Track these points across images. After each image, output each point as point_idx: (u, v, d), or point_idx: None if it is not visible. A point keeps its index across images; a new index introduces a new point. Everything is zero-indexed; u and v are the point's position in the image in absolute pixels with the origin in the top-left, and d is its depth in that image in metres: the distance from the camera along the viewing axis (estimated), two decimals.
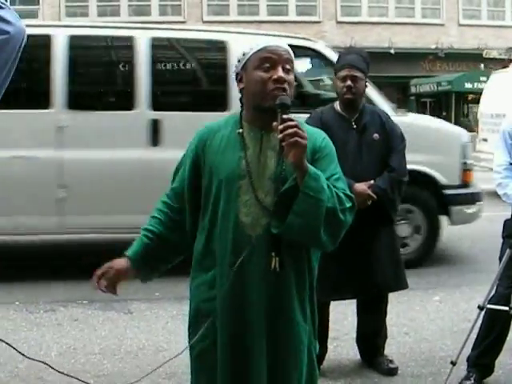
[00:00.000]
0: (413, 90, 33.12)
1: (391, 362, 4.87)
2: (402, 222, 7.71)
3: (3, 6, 2.19)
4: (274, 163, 2.67)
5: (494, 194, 5.22)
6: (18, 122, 7.17)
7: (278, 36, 7.57)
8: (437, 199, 7.85)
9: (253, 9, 30.38)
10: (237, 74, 2.77)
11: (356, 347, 5.05)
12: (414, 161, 7.56)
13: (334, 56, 7.85)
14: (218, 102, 7.26)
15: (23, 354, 2.77)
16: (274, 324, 2.68)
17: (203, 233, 2.73)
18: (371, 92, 7.60)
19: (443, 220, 8.12)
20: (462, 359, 4.46)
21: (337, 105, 4.73)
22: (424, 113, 28.37)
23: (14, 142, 7.10)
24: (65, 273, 7.45)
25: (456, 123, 21.23)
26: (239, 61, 2.75)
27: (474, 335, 4.46)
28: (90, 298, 6.63)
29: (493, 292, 4.36)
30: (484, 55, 30.49)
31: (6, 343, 2.54)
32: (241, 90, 2.78)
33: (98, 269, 2.62)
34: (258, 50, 2.68)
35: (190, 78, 7.96)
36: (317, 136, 2.75)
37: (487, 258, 7.16)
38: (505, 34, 30.54)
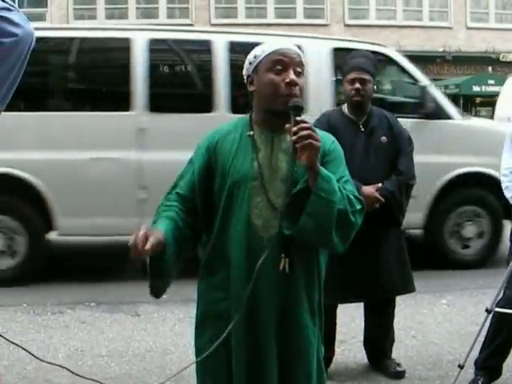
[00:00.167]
0: None
1: (399, 365, 4.86)
2: (468, 223, 7.99)
3: (12, 8, 2.19)
4: (285, 165, 2.69)
5: None
6: (99, 123, 7.28)
7: (349, 41, 8.13)
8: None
9: (260, 11, 30.38)
10: (248, 77, 2.77)
11: (363, 350, 5.04)
12: (480, 163, 7.63)
13: (405, 62, 8.20)
14: None
15: (37, 357, 2.76)
16: (283, 325, 2.69)
17: (213, 234, 2.73)
18: (438, 95, 7.88)
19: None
20: (470, 362, 4.45)
21: (345, 108, 4.73)
22: None
23: (96, 144, 7.21)
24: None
25: None
26: (250, 63, 2.75)
27: (481, 338, 4.45)
28: (97, 300, 6.65)
29: (500, 295, 4.35)
30: (501, 59, 30.40)
31: (22, 347, 2.54)
32: (251, 93, 2.78)
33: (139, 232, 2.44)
34: (270, 53, 2.69)
35: None
36: (326, 139, 2.76)
37: (495, 262, 7.17)
38: None
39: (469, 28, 31.20)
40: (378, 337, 4.94)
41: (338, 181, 2.65)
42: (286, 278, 2.66)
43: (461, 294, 6.94)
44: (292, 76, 2.64)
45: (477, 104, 31.19)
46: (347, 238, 2.65)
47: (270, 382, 2.66)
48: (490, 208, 7.94)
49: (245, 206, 2.66)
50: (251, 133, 2.73)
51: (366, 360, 5.02)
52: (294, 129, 2.49)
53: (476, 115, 32.39)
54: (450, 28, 31.03)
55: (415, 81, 8.18)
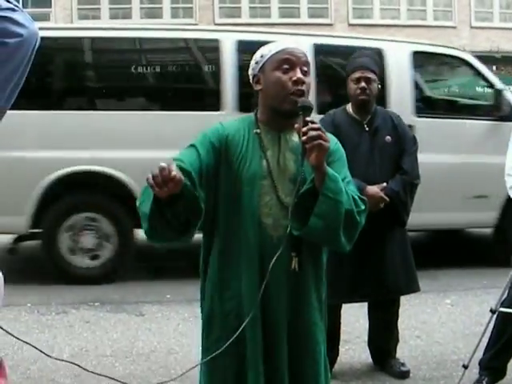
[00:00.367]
0: None
1: (403, 365, 4.86)
2: None
3: (16, 8, 2.19)
4: (293, 164, 2.70)
5: None
6: (190, 123, 7.30)
7: (429, 44, 8.36)
8: None
9: (264, 11, 30.36)
10: (254, 76, 2.78)
11: (367, 350, 5.04)
12: None
13: (480, 65, 8.31)
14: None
15: (46, 354, 2.75)
16: (293, 324, 2.70)
17: (220, 232, 2.71)
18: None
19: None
20: (474, 362, 4.45)
21: (349, 107, 4.73)
22: None
23: (186, 144, 7.25)
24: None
25: None
26: (257, 62, 2.76)
27: (486, 338, 4.45)
28: (101, 300, 6.66)
29: (505, 295, 4.35)
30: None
31: (31, 345, 2.53)
32: (256, 92, 2.79)
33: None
34: (277, 52, 2.70)
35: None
36: (330, 140, 2.76)
37: (499, 262, 7.14)
38: None
39: (473, 27, 31.16)
40: (383, 336, 4.94)
41: (342, 181, 2.65)
42: (296, 276, 2.67)
43: (465, 293, 6.93)
44: (299, 74, 2.65)
45: None
46: (353, 237, 2.68)
47: (282, 380, 2.67)
48: None
49: (254, 205, 2.66)
50: (258, 130, 2.73)
51: (370, 360, 5.02)
52: (304, 129, 2.50)
53: None
54: (454, 27, 30.99)
55: (490, 84, 8.29)
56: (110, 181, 7.28)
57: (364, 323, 5.22)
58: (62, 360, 3.06)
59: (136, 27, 9.90)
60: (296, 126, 2.57)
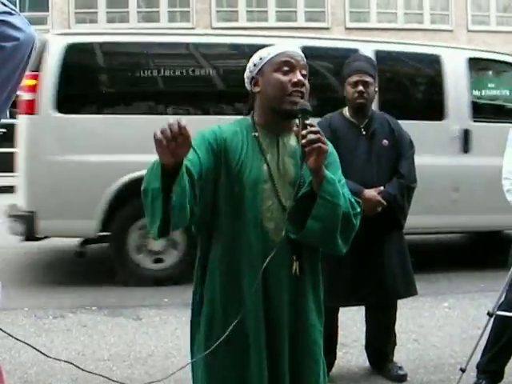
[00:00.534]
0: None
1: (400, 368, 4.86)
2: None
3: (13, 12, 2.19)
4: (292, 168, 2.71)
5: None
6: None
7: (484, 51, 8.78)
8: None
9: (262, 15, 30.39)
10: (251, 78, 2.78)
11: (365, 354, 5.04)
12: None
13: None
14: None
15: (44, 354, 2.74)
16: (293, 325, 2.71)
17: (220, 236, 2.70)
18: None
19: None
20: (472, 366, 4.45)
21: (346, 111, 4.73)
22: None
23: None
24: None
25: None
26: (255, 65, 2.76)
27: (483, 342, 4.45)
28: (98, 304, 6.66)
29: (502, 298, 4.35)
30: None
31: (32, 347, 2.53)
32: (254, 94, 2.79)
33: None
34: (277, 54, 2.71)
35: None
36: None
37: (497, 265, 7.14)
38: None
39: (470, 31, 31.21)
40: (380, 340, 4.94)
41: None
42: (296, 280, 2.69)
43: (462, 296, 6.94)
44: (299, 76, 2.66)
45: None
46: (349, 240, 2.70)
47: (283, 380, 2.69)
48: None
49: (257, 210, 2.66)
50: (256, 134, 2.73)
51: (367, 364, 5.02)
52: (303, 132, 2.51)
53: None
54: (450, 31, 31.04)
55: None
56: None
57: (361, 327, 5.22)
58: (60, 360, 3.03)
59: (194, 33, 9.98)
60: (295, 129, 2.58)
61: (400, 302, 4.95)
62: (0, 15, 2.14)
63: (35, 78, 7.07)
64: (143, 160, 7.14)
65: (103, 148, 7.28)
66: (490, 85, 9.26)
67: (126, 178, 7.19)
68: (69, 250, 8.64)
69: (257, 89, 2.76)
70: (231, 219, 2.68)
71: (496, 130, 7.85)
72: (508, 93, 9.37)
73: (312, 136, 2.50)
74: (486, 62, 8.72)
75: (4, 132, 15.80)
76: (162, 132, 2.17)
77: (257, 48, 2.87)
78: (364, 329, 5.05)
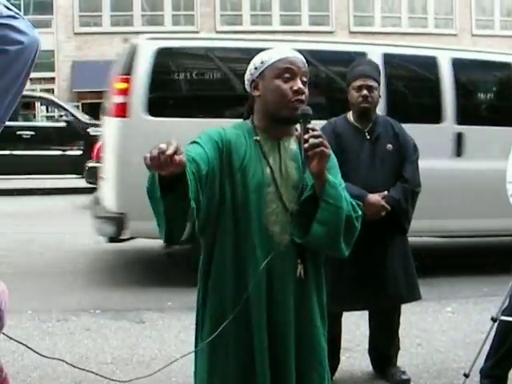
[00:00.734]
0: None
1: (404, 373, 4.85)
2: None
3: (17, 16, 2.19)
4: (295, 172, 2.71)
5: None
6: None
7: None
8: None
9: (266, 19, 30.43)
10: (252, 81, 2.78)
11: (368, 358, 5.03)
12: None
13: None
14: None
15: (39, 353, 2.75)
16: (298, 327, 2.71)
17: (224, 238, 2.69)
18: None
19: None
20: (475, 371, 4.44)
21: (350, 115, 4.73)
22: None
23: None
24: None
25: None
26: (256, 68, 2.75)
27: (487, 347, 4.44)
28: (102, 307, 6.65)
29: (506, 303, 4.34)
30: None
31: (33, 350, 2.53)
32: (254, 98, 2.79)
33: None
34: (278, 60, 2.70)
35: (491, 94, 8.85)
36: None
37: (500, 270, 7.14)
38: None
39: (474, 35, 31.22)
40: (383, 344, 4.93)
41: None
42: (301, 283, 2.70)
43: (466, 301, 6.92)
44: (300, 84, 2.67)
45: None
46: (351, 242, 2.72)
47: (290, 381, 2.69)
48: None
49: (261, 213, 2.66)
50: (258, 138, 2.73)
51: (371, 368, 5.01)
52: (306, 136, 2.52)
53: None
54: (455, 35, 31.05)
55: None
56: None
57: (365, 331, 5.22)
58: (53, 358, 3.03)
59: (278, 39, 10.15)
60: (296, 133, 2.59)
61: (403, 307, 4.94)
62: (4, 19, 2.14)
63: (127, 81, 7.20)
64: None
65: None
66: None
67: None
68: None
69: (257, 93, 2.76)
70: (235, 221, 2.68)
71: None
72: None
73: (314, 140, 2.51)
74: None
75: (32, 135, 15.89)
76: (151, 160, 2.15)
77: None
78: (367, 333, 5.05)
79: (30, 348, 2.51)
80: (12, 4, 2.20)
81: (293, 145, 2.75)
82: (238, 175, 2.66)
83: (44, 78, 27.48)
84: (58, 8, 29.36)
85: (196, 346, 2.89)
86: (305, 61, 2.75)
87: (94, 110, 18.20)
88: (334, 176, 2.70)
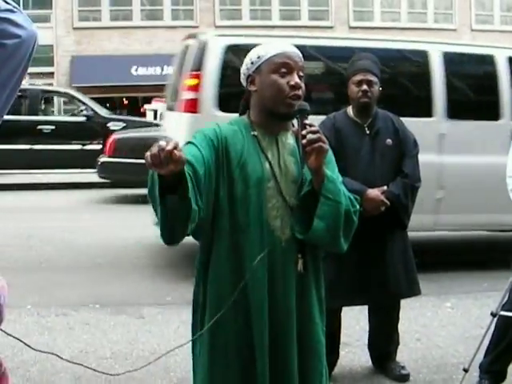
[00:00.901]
0: None
1: (403, 368, 4.85)
2: None
3: (15, 9, 2.18)
4: (293, 166, 2.71)
5: None
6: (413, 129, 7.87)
7: None
8: None
9: (265, 13, 30.38)
10: (248, 76, 2.77)
11: (368, 353, 5.04)
12: None
13: None
14: None
15: (31, 346, 2.73)
16: (298, 323, 2.71)
17: (223, 234, 2.68)
18: None
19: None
20: (475, 366, 4.44)
21: (349, 110, 4.72)
22: None
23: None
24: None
25: None
26: (252, 63, 2.74)
27: (486, 342, 4.44)
28: (101, 302, 6.65)
29: (506, 298, 4.34)
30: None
31: (23, 342, 2.53)
32: (250, 93, 2.78)
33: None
34: (275, 55, 2.69)
35: None
36: None
37: (500, 265, 7.14)
38: None
39: (473, 30, 31.18)
40: (383, 339, 4.94)
41: None
42: (301, 277, 2.70)
43: (465, 296, 6.92)
44: (297, 79, 2.66)
45: None
46: (350, 237, 2.73)
47: (292, 379, 2.69)
48: None
49: (262, 208, 2.65)
50: (255, 133, 2.72)
51: (370, 363, 5.01)
52: (304, 132, 2.52)
53: None
54: (454, 30, 31.00)
55: None
56: None
57: (364, 326, 5.22)
58: (43, 351, 3.01)
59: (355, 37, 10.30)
60: (294, 129, 2.59)
61: (403, 302, 4.94)
62: (2, 13, 2.13)
63: (197, 77, 7.33)
64: None
65: None
66: None
67: None
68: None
69: (253, 87, 2.75)
70: (235, 218, 2.66)
71: None
72: None
73: (312, 136, 2.51)
74: None
75: (52, 129, 15.92)
76: (152, 158, 2.16)
77: None
78: (367, 328, 5.05)
79: (23, 342, 2.50)
80: None
81: (290, 139, 2.75)
82: (237, 171, 2.65)
83: (43, 73, 27.41)
84: (56, 3, 29.27)
85: (194, 350, 2.88)
86: (301, 55, 2.75)
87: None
88: (331, 170, 2.70)
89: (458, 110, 8.03)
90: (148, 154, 2.17)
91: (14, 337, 2.45)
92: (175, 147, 2.16)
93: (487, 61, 8.29)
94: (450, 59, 8.10)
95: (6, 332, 2.40)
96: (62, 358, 2.85)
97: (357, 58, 4.81)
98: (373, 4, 30.97)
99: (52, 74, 29.05)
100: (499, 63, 8.13)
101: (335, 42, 8.46)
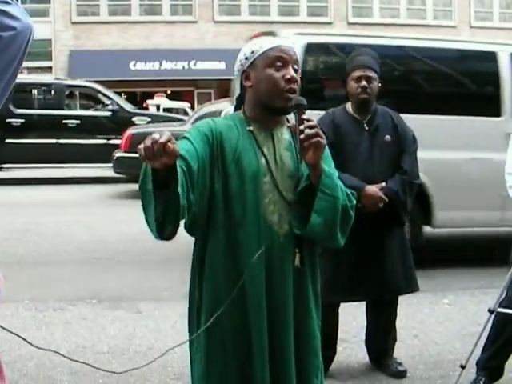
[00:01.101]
0: None
1: (400, 364, 4.86)
2: None
3: (10, 1, 2.17)
4: (290, 161, 2.70)
5: None
6: (474, 127, 8.08)
7: None
8: None
9: (264, 9, 30.36)
10: (243, 72, 2.76)
11: (365, 349, 5.03)
12: None
13: None
14: None
15: (32, 344, 2.73)
16: (296, 318, 2.71)
17: (219, 230, 2.66)
18: None
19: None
20: (472, 362, 4.44)
21: (348, 106, 4.72)
22: None
23: (471, 146, 8.02)
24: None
25: None
26: (247, 58, 2.73)
27: (483, 338, 4.44)
28: (98, 297, 6.65)
29: (503, 295, 4.34)
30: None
31: (20, 336, 2.52)
32: (245, 88, 2.77)
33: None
34: (270, 49, 2.68)
35: None
36: None
37: (498, 262, 7.15)
38: None
39: (472, 27, 31.17)
40: (380, 336, 4.93)
41: None
42: (298, 272, 2.69)
43: (462, 293, 6.93)
44: (292, 73, 2.65)
45: None
46: (347, 232, 2.72)
47: (290, 375, 2.68)
48: None
49: (259, 203, 2.64)
50: (251, 128, 2.72)
51: (367, 359, 5.01)
52: (301, 127, 2.51)
53: None
54: (453, 27, 31.00)
55: None
56: None
57: (361, 322, 5.22)
58: (45, 349, 3.01)
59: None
60: (290, 124, 2.58)
61: (400, 298, 4.94)
62: None
63: None
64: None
65: None
66: None
67: None
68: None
69: (248, 83, 2.74)
70: (231, 213, 2.65)
71: None
72: None
73: (310, 131, 2.50)
74: None
75: (78, 123, 15.93)
76: (145, 150, 2.15)
77: None
78: (364, 324, 5.04)
79: (22, 338, 2.49)
80: None
81: (285, 134, 2.74)
82: (232, 166, 2.64)
83: (41, 68, 27.37)
84: None
85: (191, 347, 2.88)
86: (295, 49, 2.75)
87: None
88: (328, 165, 2.70)
89: None
90: (141, 146, 2.17)
91: (13, 333, 2.44)
92: (169, 140, 2.15)
93: None
94: None
95: (5, 328, 2.39)
96: (64, 356, 2.85)
97: (356, 54, 4.80)
98: (372, 0, 30.96)
99: (50, 68, 29.02)
100: None
101: (405, 42, 8.55)
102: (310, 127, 2.51)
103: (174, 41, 29.15)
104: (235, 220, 2.65)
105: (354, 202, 2.72)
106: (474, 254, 8.67)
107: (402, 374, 4.79)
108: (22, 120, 15.80)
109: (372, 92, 4.59)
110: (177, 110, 23.20)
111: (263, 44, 2.72)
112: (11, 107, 15.60)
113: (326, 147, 2.75)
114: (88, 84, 17.50)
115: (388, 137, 4.64)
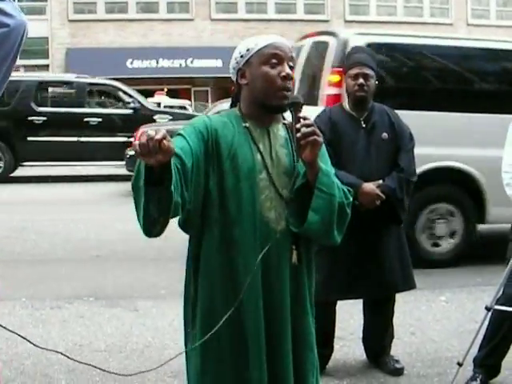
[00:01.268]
0: None
1: (397, 361, 4.86)
2: None
3: None
4: (285, 158, 2.69)
5: None
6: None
7: None
8: None
9: (261, 7, 30.36)
10: (238, 70, 2.75)
11: (362, 347, 5.04)
12: None
13: None
14: None
15: (35, 344, 2.73)
16: (292, 315, 2.70)
17: (214, 228, 2.65)
18: None
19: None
20: (469, 360, 4.45)
21: (345, 104, 4.72)
22: None
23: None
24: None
25: None
26: (242, 56, 2.72)
27: (480, 336, 4.45)
28: (95, 295, 6.65)
29: (500, 293, 4.35)
30: None
31: (28, 340, 2.52)
32: (240, 86, 2.76)
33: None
34: (265, 46, 2.67)
35: None
36: None
37: (494, 259, 7.15)
38: None
39: (469, 25, 31.19)
40: (377, 333, 4.93)
41: None
42: (295, 269, 2.69)
43: (459, 290, 6.94)
44: (288, 70, 2.64)
45: None
46: (343, 229, 2.71)
47: (287, 372, 2.68)
48: None
49: (255, 200, 2.63)
50: (247, 124, 2.71)
51: (364, 357, 5.01)
52: (298, 125, 2.50)
53: None
54: (450, 24, 31.02)
55: None
56: (463, 175, 8.11)
57: (358, 320, 5.22)
58: (49, 349, 3.01)
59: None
60: (286, 121, 2.57)
61: (397, 296, 4.94)
62: None
63: (339, 74, 7.36)
64: (437, 153, 7.87)
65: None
66: None
67: (423, 168, 7.56)
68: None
69: (244, 81, 2.72)
70: (226, 210, 2.64)
71: None
72: None
73: (307, 129, 2.49)
74: None
75: (99, 121, 15.94)
76: (141, 146, 2.16)
77: None
78: (361, 322, 5.04)
79: (22, 336, 2.49)
80: None
81: (281, 131, 2.74)
82: (228, 163, 2.63)
83: (37, 66, 27.34)
84: None
85: (186, 344, 2.87)
86: (290, 46, 2.74)
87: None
88: (324, 163, 2.69)
89: None
90: (136, 142, 2.17)
91: (14, 332, 2.44)
92: (164, 137, 2.16)
93: None
94: None
95: (5, 327, 2.39)
96: (68, 357, 2.85)
97: (353, 52, 4.80)
98: None
99: (47, 66, 29.00)
100: None
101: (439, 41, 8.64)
102: (307, 125, 2.51)
103: (171, 39, 29.16)
104: (230, 217, 2.64)
105: (351, 199, 2.72)
106: (471, 251, 8.67)
107: (399, 372, 4.79)
108: (44, 118, 15.85)
109: (369, 89, 4.59)
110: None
111: (258, 41, 2.70)
112: (33, 105, 15.65)
113: (323, 145, 2.75)
114: (109, 82, 17.50)
115: (385, 134, 4.63)
